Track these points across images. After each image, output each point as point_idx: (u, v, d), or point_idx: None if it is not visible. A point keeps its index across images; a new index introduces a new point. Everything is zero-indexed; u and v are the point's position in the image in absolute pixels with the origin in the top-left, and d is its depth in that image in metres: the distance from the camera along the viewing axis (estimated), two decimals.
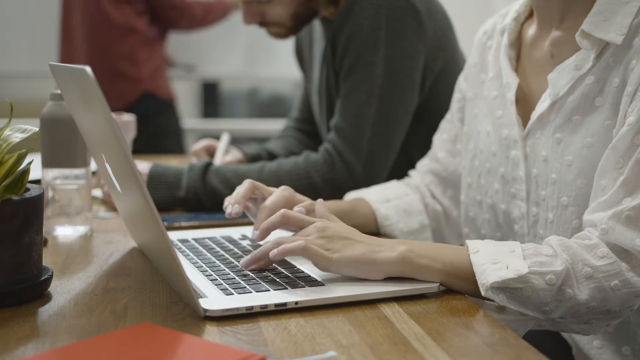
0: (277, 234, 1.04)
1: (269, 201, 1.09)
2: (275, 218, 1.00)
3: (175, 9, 3.05)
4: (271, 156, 1.77)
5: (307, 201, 1.12)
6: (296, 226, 1.00)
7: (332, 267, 0.94)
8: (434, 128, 1.42)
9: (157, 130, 2.96)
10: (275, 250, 0.93)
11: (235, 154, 1.76)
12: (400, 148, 1.56)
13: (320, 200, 1.05)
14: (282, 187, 1.13)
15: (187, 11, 3.09)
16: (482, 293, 0.91)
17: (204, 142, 1.83)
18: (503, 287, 0.91)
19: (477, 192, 1.24)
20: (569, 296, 0.92)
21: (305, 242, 0.94)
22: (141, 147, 2.63)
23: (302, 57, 1.80)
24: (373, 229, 1.26)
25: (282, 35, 1.61)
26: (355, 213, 1.24)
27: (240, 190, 1.13)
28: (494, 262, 0.92)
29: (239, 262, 1.04)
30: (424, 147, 1.46)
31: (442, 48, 1.55)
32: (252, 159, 1.75)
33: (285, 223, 1.01)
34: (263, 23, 1.58)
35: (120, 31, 2.94)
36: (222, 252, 1.10)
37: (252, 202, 1.17)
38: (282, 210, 1.00)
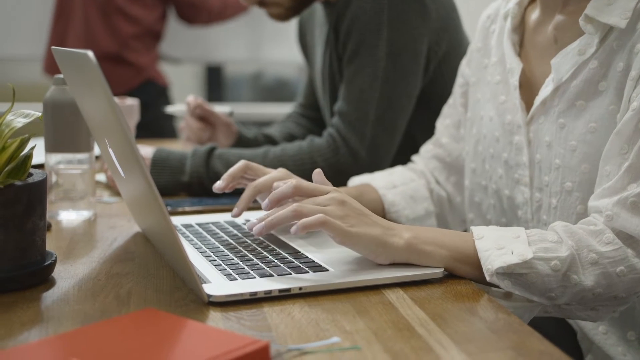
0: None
1: (258, 181, 1.09)
2: (287, 189, 0.97)
3: (193, 7, 3.12)
4: (269, 140, 1.76)
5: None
6: (310, 196, 0.97)
7: (348, 241, 0.93)
8: (438, 112, 1.42)
9: (157, 115, 2.99)
10: (295, 227, 0.91)
11: (231, 124, 1.72)
12: (404, 132, 1.55)
13: (318, 170, 1.04)
14: (278, 170, 1.12)
15: (205, 7, 3.16)
16: (487, 278, 0.91)
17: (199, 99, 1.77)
18: (508, 272, 0.91)
19: (482, 178, 1.24)
20: (574, 282, 0.92)
21: (324, 217, 0.91)
22: (142, 132, 2.64)
23: (305, 42, 1.79)
24: (380, 215, 1.25)
25: (282, 16, 1.58)
26: (362, 199, 1.23)
27: (231, 169, 1.14)
28: (498, 247, 0.92)
29: (242, 247, 1.04)
30: (429, 131, 1.45)
31: (446, 30, 1.54)
32: (247, 142, 1.73)
33: (298, 194, 0.97)
34: (262, 3, 1.55)
35: (128, 20, 2.97)
36: (226, 237, 1.09)
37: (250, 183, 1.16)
38: (295, 182, 0.97)
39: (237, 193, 1.21)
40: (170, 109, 1.78)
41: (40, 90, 1.26)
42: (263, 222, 0.95)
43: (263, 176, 1.12)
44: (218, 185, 1.14)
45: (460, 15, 1.61)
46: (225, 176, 1.14)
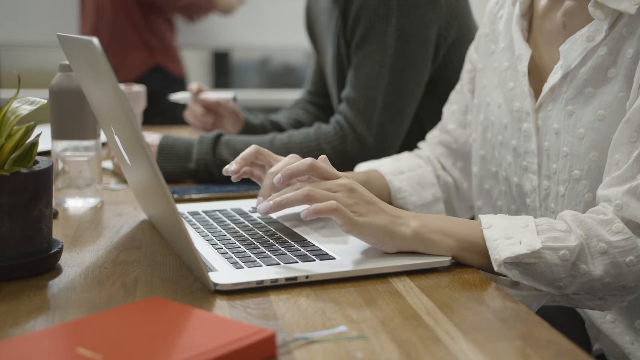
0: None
1: (275, 167, 1.07)
2: (302, 166, 0.96)
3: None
4: (275, 127, 1.76)
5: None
6: (323, 177, 0.96)
7: (354, 231, 0.92)
8: (447, 98, 1.41)
9: (171, 102, 3.03)
10: (305, 211, 0.90)
11: (238, 112, 1.73)
12: (413, 119, 1.54)
13: (323, 156, 1.03)
14: (290, 155, 1.10)
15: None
16: (495, 268, 0.90)
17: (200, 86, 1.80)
18: (516, 262, 0.90)
19: (492, 164, 1.23)
20: (583, 272, 0.91)
21: (336, 204, 0.90)
22: (157, 119, 2.65)
23: (313, 29, 1.78)
24: (386, 201, 1.24)
25: None
26: (369, 185, 1.22)
27: (243, 152, 1.12)
28: (507, 237, 0.91)
29: (249, 234, 1.04)
30: (437, 118, 1.44)
31: (456, 17, 1.53)
32: (254, 128, 1.73)
33: (311, 171, 0.96)
34: None
35: (143, 8, 2.98)
36: (233, 225, 1.09)
37: (260, 169, 1.15)
38: (310, 160, 0.96)
39: (244, 181, 1.21)
40: (174, 97, 1.79)
41: (51, 77, 1.25)
42: (270, 201, 0.94)
43: (275, 162, 1.11)
44: (232, 169, 1.09)
45: (469, 1, 1.60)
46: (238, 159, 1.11)
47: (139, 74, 3.00)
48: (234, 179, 1.10)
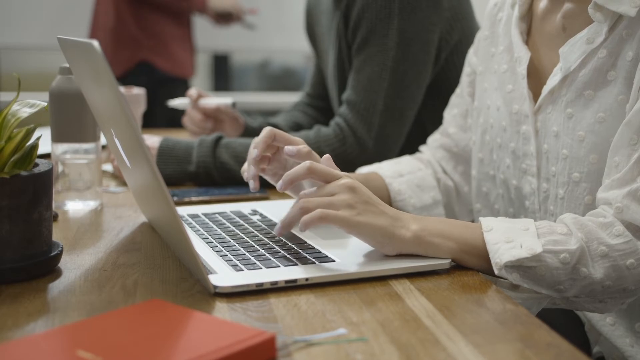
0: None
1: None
2: (301, 170, 0.95)
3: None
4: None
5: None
6: (322, 180, 0.96)
7: (353, 230, 0.92)
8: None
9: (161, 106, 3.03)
10: (299, 226, 0.91)
11: (238, 117, 1.72)
12: (414, 122, 1.54)
13: (327, 155, 1.03)
14: (303, 145, 1.05)
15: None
16: (496, 272, 0.90)
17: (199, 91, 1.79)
18: (517, 265, 0.90)
19: (489, 167, 1.23)
20: (583, 275, 0.91)
21: (322, 212, 0.90)
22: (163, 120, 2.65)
23: (313, 31, 1.78)
24: (386, 203, 1.24)
25: None
26: (368, 187, 1.21)
27: (260, 136, 1.07)
28: (507, 240, 0.91)
29: (249, 237, 1.04)
30: (439, 121, 1.44)
31: (458, 19, 1.53)
32: (253, 131, 1.73)
33: (310, 175, 0.96)
34: None
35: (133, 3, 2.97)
36: (232, 228, 1.09)
37: (275, 163, 1.12)
38: (309, 163, 0.96)
39: (244, 183, 1.21)
40: (173, 102, 1.78)
41: (52, 79, 1.25)
42: (279, 223, 0.95)
43: (292, 143, 1.06)
44: (252, 187, 1.07)
45: (472, 4, 1.60)
46: (257, 140, 1.07)
47: (124, 69, 2.98)
48: (253, 186, 1.07)
